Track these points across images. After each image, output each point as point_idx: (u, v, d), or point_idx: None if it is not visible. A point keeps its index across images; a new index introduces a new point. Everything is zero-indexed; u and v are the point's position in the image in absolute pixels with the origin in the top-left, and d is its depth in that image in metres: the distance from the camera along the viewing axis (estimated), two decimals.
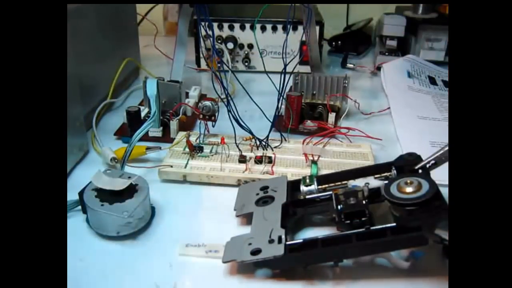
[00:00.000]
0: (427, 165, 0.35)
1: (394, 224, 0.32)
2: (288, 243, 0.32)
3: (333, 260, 0.33)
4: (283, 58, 0.48)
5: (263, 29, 0.72)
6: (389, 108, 0.62)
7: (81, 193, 0.38)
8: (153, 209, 0.39)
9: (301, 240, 0.33)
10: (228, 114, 0.47)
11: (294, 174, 0.43)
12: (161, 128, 0.51)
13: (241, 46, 0.73)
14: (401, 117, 0.59)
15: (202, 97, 0.63)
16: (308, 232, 0.38)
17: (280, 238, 0.33)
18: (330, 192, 0.37)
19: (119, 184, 0.37)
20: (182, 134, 0.50)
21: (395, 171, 0.37)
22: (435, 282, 0.33)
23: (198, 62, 0.74)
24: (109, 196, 0.37)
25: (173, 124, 0.51)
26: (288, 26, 0.68)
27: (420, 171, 0.35)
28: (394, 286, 0.33)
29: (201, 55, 0.73)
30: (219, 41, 0.72)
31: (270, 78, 0.49)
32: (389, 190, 0.34)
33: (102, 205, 0.36)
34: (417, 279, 0.33)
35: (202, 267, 0.34)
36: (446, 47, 0.77)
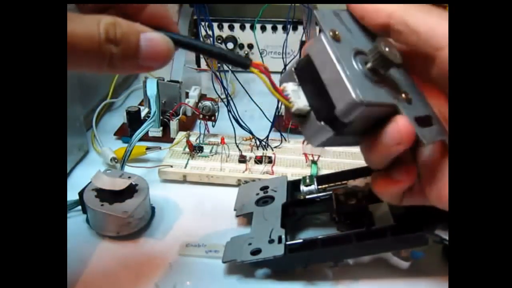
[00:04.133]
0: None
1: (394, 224, 0.32)
2: (288, 243, 0.32)
3: (333, 260, 0.33)
4: (283, 58, 0.48)
5: (263, 29, 0.71)
6: None
7: (81, 193, 0.38)
8: (153, 209, 0.39)
9: (301, 240, 0.33)
10: (228, 114, 0.46)
11: (294, 174, 0.43)
12: (161, 128, 0.51)
13: (241, 46, 0.73)
14: None
15: (202, 97, 0.63)
16: (308, 232, 0.38)
17: (280, 238, 0.33)
18: (330, 192, 0.37)
19: (119, 184, 0.37)
20: (182, 134, 0.50)
21: None
22: (435, 282, 0.33)
23: (198, 62, 0.74)
24: (109, 196, 0.37)
25: (173, 124, 0.51)
26: (288, 26, 0.68)
27: None
28: (394, 286, 0.33)
29: (201, 55, 0.73)
30: (219, 41, 0.72)
31: None
32: None
33: (102, 205, 0.36)
34: (417, 279, 0.33)
35: (202, 267, 0.34)
36: None
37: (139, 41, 0.20)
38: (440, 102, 0.25)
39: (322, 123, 0.22)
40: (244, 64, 0.23)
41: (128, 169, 0.43)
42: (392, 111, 0.22)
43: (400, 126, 0.22)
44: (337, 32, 0.23)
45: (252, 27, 0.71)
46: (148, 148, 0.47)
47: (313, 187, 0.38)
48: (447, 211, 0.24)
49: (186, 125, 0.54)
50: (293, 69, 0.24)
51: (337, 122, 0.22)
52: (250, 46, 0.73)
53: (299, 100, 0.23)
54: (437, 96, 0.25)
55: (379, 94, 0.22)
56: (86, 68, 0.19)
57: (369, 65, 0.22)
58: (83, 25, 0.19)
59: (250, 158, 0.46)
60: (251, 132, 0.48)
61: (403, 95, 0.23)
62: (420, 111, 0.24)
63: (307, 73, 0.23)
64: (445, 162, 0.24)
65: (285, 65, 0.47)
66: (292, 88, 0.23)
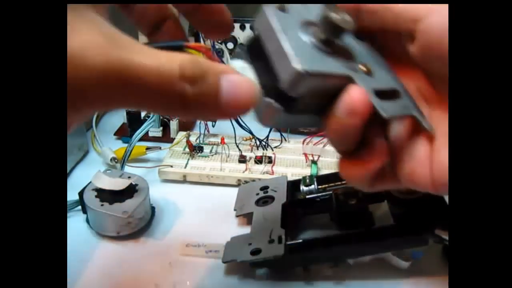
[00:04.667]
0: None
1: (394, 224, 0.32)
2: (288, 243, 0.32)
3: (333, 260, 0.33)
4: None
5: None
6: None
7: (81, 193, 0.38)
8: (153, 209, 0.39)
9: (301, 240, 0.33)
10: None
11: (294, 174, 0.43)
12: (161, 128, 0.51)
13: (241, 46, 0.73)
14: None
15: None
16: (308, 232, 0.38)
17: (280, 238, 0.33)
18: (330, 192, 0.37)
19: (119, 184, 0.37)
20: (182, 134, 0.50)
21: None
22: (435, 282, 0.33)
23: None
24: (109, 196, 0.37)
25: (173, 124, 0.51)
26: None
27: None
28: (394, 286, 0.33)
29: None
30: (219, 41, 0.72)
31: None
32: (389, 190, 0.34)
33: (102, 205, 0.36)
34: (417, 279, 0.33)
35: (202, 267, 0.34)
36: None
37: (219, 82, 0.17)
38: (418, 79, 0.24)
39: (270, 99, 0.20)
40: (178, 46, 0.21)
41: (128, 169, 0.43)
42: (347, 83, 0.20)
43: (352, 95, 0.20)
44: (284, 4, 0.21)
45: (252, 27, 0.71)
46: (148, 148, 0.47)
47: (313, 187, 0.38)
48: (412, 188, 0.23)
49: (186, 125, 0.54)
50: (244, 46, 0.23)
51: (285, 97, 0.20)
52: None
53: (247, 74, 0.21)
54: (414, 73, 0.24)
55: (329, 64, 0.20)
56: (152, 108, 0.17)
57: (319, 34, 0.21)
58: (152, 58, 0.16)
59: (250, 158, 0.46)
60: (251, 132, 0.48)
61: (362, 67, 0.21)
62: (383, 84, 0.22)
63: (256, 49, 0.21)
64: (416, 141, 0.23)
65: None
66: (240, 66, 0.21)
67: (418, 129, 0.23)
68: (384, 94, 0.21)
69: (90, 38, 0.16)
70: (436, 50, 0.21)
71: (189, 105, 0.17)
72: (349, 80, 0.20)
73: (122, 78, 0.16)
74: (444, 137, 0.22)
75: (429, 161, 0.23)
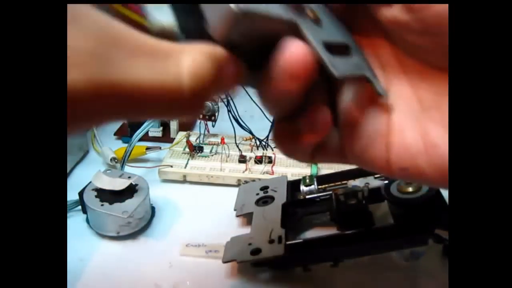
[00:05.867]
0: None
1: (394, 224, 0.32)
2: (288, 243, 0.32)
3: (333, 260, 0.33)
4: None
5: None
6: None
7: (81, 193, 0.38)
8: (153, 209, 0.39)
9: (301, 240, 0.33)
10: (228, 114, 0.46)
11: (294, 174, 0.43)
12: (161, 128, 0.51)
13: None
14: None
15: None
16: (308, 232, 0.38)
17: (280, 238, 0.33)
18: (330, 192, 0.37)
19: (119, 184, 0.37)
20: (182, 134, 0.50)
21: None
22: (435, 282, 0.33)
23: None
24: (109, 196, 0.37)
25: (173, 124, 0.51)
26: None
27: None
28: (394, 286, 0.33)
29: None
30: None
31: None
32: (389, 190, 0.34)
33: (102, 205, 0.36)
34: (417, 279, 0.33)
35: (202, 267, 0.34)
36: None
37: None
38: (378, 46, 0.20)
39: None
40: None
41: (128, 169, 0.43)
42: (289, 32, 0.16)
43: (290, 53, 0.15)
44: None
45: None
46: (148, 148, 0.47)
47: (313, 187, 0.38)
48: (371, 170, 0.20)
49: (186, 125, 0.54)
50: None
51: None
52: None
53: (162, 16, 0.17)
54: (373, 40, 0.20)
55: (268, 5, 0.16)
56: (153, 117, 0.16)
57: None
58: (153, 70, 0.13)
59: (250, 158, 0.46)
60: (251, 132, 0.48)
61: (309, 13, 0.17)
62: (333, 36, 0.18)
63: None
64: (372, 113, 0.19)
65: None
66: (156, 5, 0.18)
67: (374, 97, 0.19)
68: (333, 48, 0.17)
69: (73, 50, 0.14)
70: (428, 11, 0.18)
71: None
72: (293, 27, 0.16)
73: (114, 95, 0.14)
74: (408, 115, 0.19)
75: (386, 139, 0.19)
